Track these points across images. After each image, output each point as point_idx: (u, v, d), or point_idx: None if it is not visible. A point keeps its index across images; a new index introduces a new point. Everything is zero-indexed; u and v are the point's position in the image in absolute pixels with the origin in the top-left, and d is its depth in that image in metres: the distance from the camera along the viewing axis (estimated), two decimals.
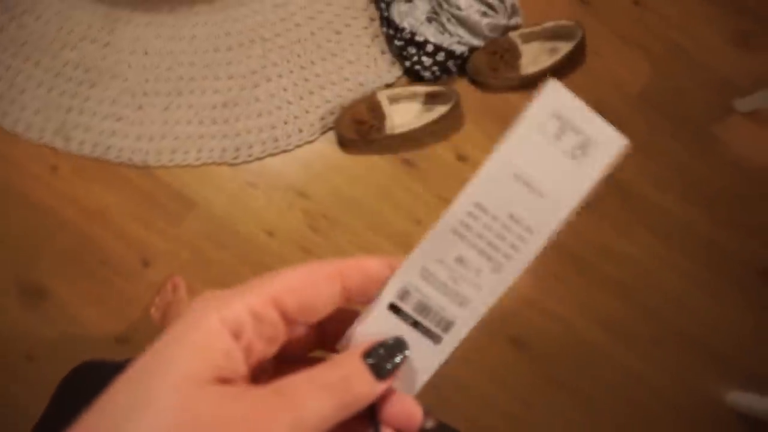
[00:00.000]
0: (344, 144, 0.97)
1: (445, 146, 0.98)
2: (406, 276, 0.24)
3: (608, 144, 0.23)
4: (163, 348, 0.21)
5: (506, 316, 0.94)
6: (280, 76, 1.01)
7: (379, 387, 0.22)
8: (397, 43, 0.98)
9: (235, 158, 0.97)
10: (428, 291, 0.24)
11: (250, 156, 0.97)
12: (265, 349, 0.22)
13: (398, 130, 0.95)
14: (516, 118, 0.22)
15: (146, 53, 1.01)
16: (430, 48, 0.96)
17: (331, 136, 0.98)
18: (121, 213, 0.95)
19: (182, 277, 0.93)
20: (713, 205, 1.01)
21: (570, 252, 0.97)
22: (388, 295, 0.24)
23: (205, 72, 1.01)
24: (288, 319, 0.23)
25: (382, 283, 0.24)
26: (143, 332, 0.90)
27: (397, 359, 0.23)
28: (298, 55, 1.02)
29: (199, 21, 1.03)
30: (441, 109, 0.96)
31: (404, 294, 0.24)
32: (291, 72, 1.01)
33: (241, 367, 0.21)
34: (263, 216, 0.96)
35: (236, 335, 0.21)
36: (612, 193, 0.99)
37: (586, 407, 0.93)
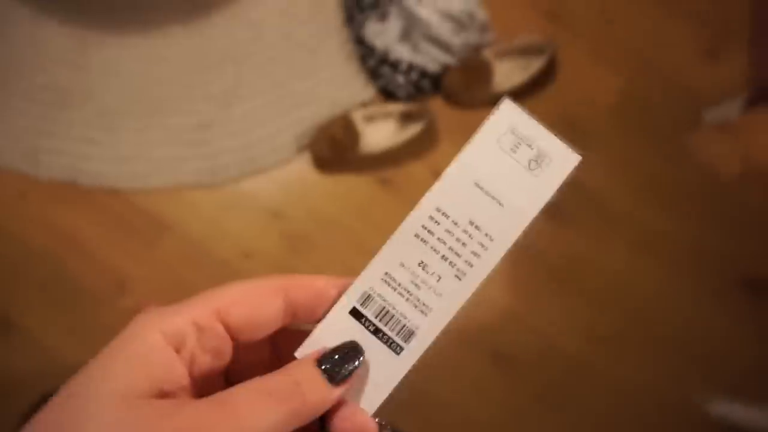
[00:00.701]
0: (320, 163, 0.99)
1: (422, 164, 1.01)
2: (369, 281, 0.24)
3: (562, 159, 0.25)
4: (97, 365, 0.20)
5: (486, 332, 0.96)
6: (254, 95, 1.02)
7: (334, 393, 0.22)
8: (371, 62, 1.00)
9: (211, 180, 0.98)
10: (390, 297, 0.24)
11: (225, 177, 0.98)
12: (211, 363, 0.22)
13: (374, 149, 0.97)
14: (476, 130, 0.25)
15: (118, 75, 1.02)
16: (403, 67, 0.99)
17: (307, 155, 1.00)
18: (95, 238, 0.96)
19: (158, 302, 0.93)
20: (688, 213, 1.04)
21: (548, 265, 0.99)
22: (350, 300, 0.24)
23: (178, 93, 1.02)
24: (233, 334, 0.23)
25: (328, 301, 0.24)
26: None
27: (353, 364, 0.23)
28: (273, 75, 1.04)
29: (171, 42, 1.05)
30: (416, 128, 0.98)
31: (366, 299, 0.24)
32: (265, 91, 1.03)
33: (184, 380, 0.21)
34: (240, 238, 0.97)
35: (177, 348, 0.21)
36: (587, 206, 1.02)
37: (574, 420, 0.95)
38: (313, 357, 0.22)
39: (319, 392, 0.21)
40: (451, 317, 0.24)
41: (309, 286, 0.24)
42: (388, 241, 0.25)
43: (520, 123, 0.25)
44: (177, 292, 0.94)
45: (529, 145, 0.25)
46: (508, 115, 0.25)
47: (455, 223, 0.24)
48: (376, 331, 0.24)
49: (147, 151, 0.99)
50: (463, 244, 0.24)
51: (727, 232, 1.03)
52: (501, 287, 0.97)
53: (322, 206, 0.99)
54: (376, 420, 0.23)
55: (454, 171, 0.25)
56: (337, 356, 0.23)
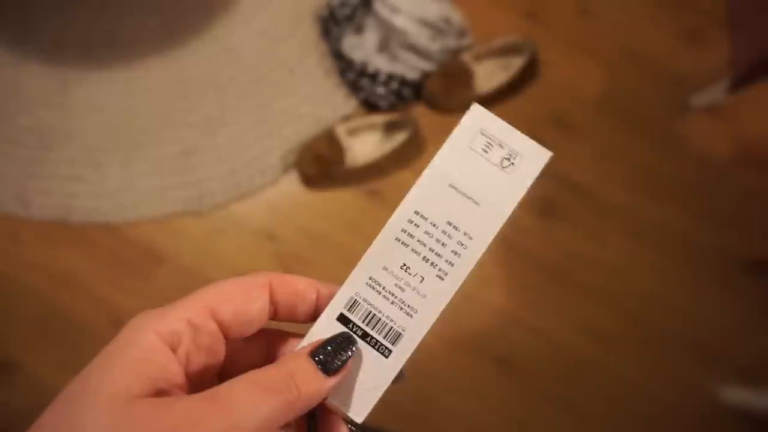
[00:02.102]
0: (308, 181, 1.02)
1: (409, 173, 1.04)
2: (354, 286, 0.26)
3: (533, 155, 0.26)
4: (95, 368, 0.21)
5: (487, 335, 0.98)
6: (237, 119, 1.06)
7: (328, 383, 0.23)
8: (350, 75, 1.04)
9: (200, 207, 1.02)
10: (376, 301, 0.25)
11: (214, 203, 1.02)
12: (206, 361, 0.24)
13: (360, 162, 1.00)
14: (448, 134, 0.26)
15: (101, 110, 1.06)
16: (382, 78, 1.03)
17: (294, 174, 1.04)
18: (89, 275, 0.99)
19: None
20: (682, 200, 1.07)
21: (544, 263, 1.02)
22: (337, 306, 0.25)
23: (161, 123, 1.06)
24: (224, 330, 0.24)
25: (308, 303, 0.26)
26: None
27: (346, 354, 0.24)
28: (254, 97, 1.08)
29: (151, 73, 1.09)
30: (400, 137, 1.02)
31: (353, 304, 0.25)
32: (248, 114, 1.06)
33: (180, 379, 0.22)
34: (234, 262, 1.01)
35: (173, 347, 0.22)
36: (578, 200, 1.05)
37: (582, 419, 0.97)
38: (307, 350, 0.23)
39: (313, 383, 0.22)
40: (436, 317, 0.25)
41: (290, 284, 0.25)
42: (370, 247, 0.26)
43: (490, 124, 0.26)
44: None
45: (500, 145, 0.26)
46: (477, 117, 0.26)
47: (434, 225, 0.26)
48: (364, 336, 0.25)
49: (134, 183, 1.02)
50: (443, 244, 0.26)
51: (722, 217, 1.06)
52: (498, 289, 1.00)
53: (313, 224, 1.02)
54: (349, 427, 0.25)
55: (429, 174, 0.26)
56: (330, 347, 0.24)
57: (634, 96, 1.11)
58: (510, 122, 0.27)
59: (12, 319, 0.97)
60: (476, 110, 0.27)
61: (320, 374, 0.23)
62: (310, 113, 1.06)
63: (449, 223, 0.26)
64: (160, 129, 1.05)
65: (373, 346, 0.25)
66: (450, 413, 0.95)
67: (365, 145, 1.03)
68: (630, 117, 1.10)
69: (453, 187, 0.26)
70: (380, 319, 0.25)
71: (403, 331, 0.25)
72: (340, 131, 1.00)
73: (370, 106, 1.05)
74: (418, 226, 0.26)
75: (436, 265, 0.26)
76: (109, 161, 1.03)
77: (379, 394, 0.25)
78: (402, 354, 0.25)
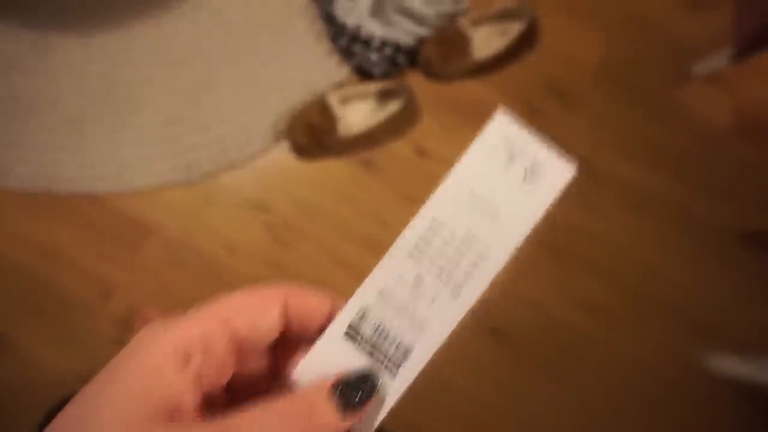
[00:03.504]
0: (298, 150, 1.02)
1: (403, 142, 1.04)
2: (365, 297, 0.25)
3: (557, 171, 0.26)
4: (102, 385, 0.21)
5: (485, 310, 1.00)
6: (223, 86, 1.05)
7: (345, 423, 0.23)
8: (342, 41, 1.03)
9: (187, 177, 1.01)
10: (386, 313, 0.25)
11: (202, 172, 1.02)
12: (217, 376, 0.23)
13: (353, 131, 1.00)
14: (471, 141, 0.26)
15: (82, 78, 1.05)
16: (376, 43, 1.01)
17: (285, 144, 1.03)
18: (74, 247, 0.99)
19: (149, 306, 0.97)
20: (681, 171, 1.08)
21: (540, 236, 1.03)
22: (347, 317, 0.25)
23: (145, 90, 1.05)
24: (237, 343, 0.24)
25: (321, 317, 0.25)
26: None
27: (366, 395, 0.23)
28: (241, 63, 1.06)
29: (134, 40, 1.07)
30: (394, 106, 1.01)
31: (362, 316, 0.25)
32: (235, 81, 1.05)
33: (189, 396, 0.22)
34: (223, 233, 1.01)
35: (185, 362, 0.22)
36: (577, 172, 1.05)
37: (577, 392, 0.99)
38: (329, 384, 0.23)
39: (330, 420, 0.22)
40: (447, 335, 0.25)
41: (303, 298, 0.25)
42: (384, 257, 0.25)
43: (515, 134, 0.25)
44: (164, 294, 0.98)
45: (524, 157, 0.25)
46: (502, 126, 0.26)
47: (451, 239, 0.25)
48: (371, 354, 0.25)
49: (118, 152, 1.01)
50: (459, 260, 0.25)
51: (720, 188, 1.07)
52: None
53: (305, 194, 1.02)
54: None
55: (450, 184, 0.25)
56: (351, 386, 0.23)
57: (633, 63, 1.11)
58: (531, 129, 0.26)
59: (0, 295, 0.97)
60: (502, 118, 0.26)
61: (338, 413, 0.23)
62: (300, 80, 1.05)
63: (467, 238, 0.25)
64: (143, 97, 1.04)
65: (381, 363, 0.25)
66: (444, 385, 0.97)
67: (358, 113, 1.02)
68: (628, 85, 1.10)
69: (473, 199, 0.25)
70: (389, 333, 0.25)
71: (412, 347, 0.25)
72: (333, 100, 0.99)
73: (363, 72, 1.04)
74: (434, 239, 0.25)
75: (451, 281, 0.25)
76: (92, 130, 1.02)
77: (385, 412, 0.25)
78: (409, 372, 0.25)
